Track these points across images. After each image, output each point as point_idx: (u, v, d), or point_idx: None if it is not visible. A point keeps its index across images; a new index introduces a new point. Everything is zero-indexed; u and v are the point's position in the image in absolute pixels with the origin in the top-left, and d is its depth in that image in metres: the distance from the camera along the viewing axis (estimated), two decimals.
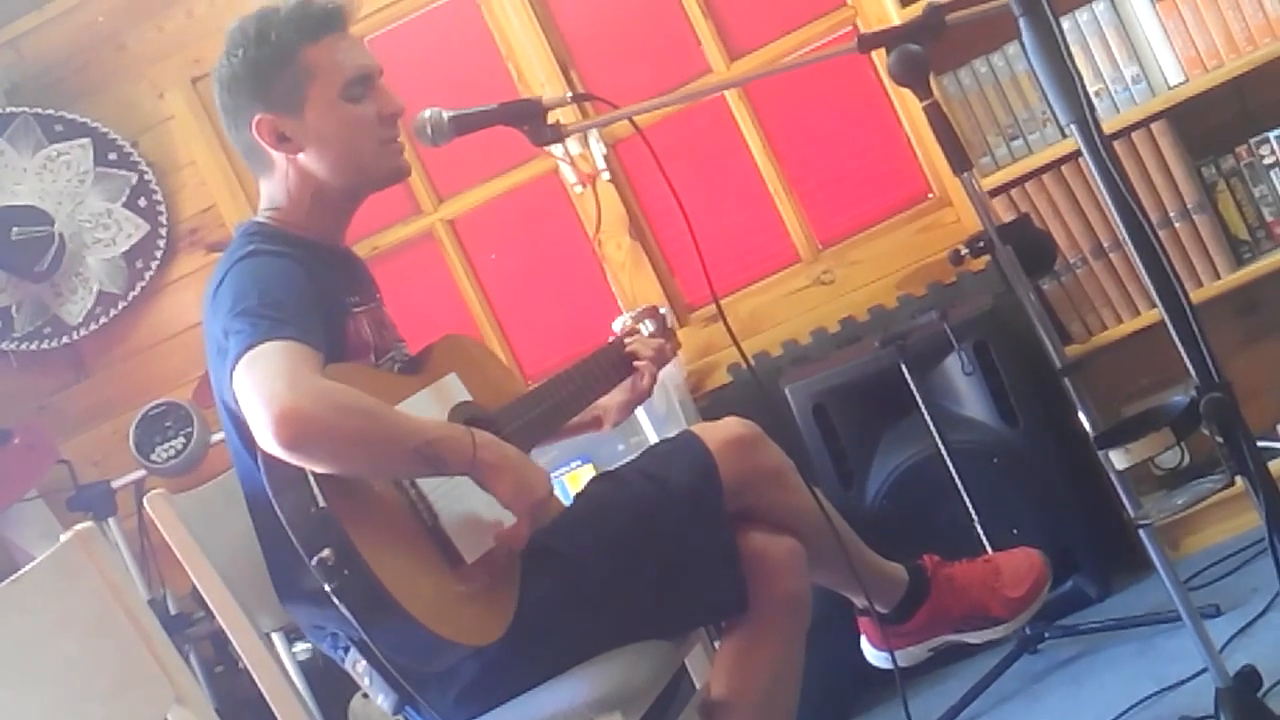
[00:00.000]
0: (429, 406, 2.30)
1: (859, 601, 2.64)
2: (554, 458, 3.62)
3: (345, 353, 2.30)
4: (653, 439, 3.54)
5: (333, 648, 2.29)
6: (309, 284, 2.24)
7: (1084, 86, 2.05)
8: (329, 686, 3.15)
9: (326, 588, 2.02)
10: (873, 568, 2.61)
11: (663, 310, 2.76)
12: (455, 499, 2.20)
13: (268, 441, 2.00)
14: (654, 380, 2.64)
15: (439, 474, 2.14)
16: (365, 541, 2.03)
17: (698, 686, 2.66)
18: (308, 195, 2.39)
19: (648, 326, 2.72)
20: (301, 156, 2.36)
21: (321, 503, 2.03)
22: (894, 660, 2.63)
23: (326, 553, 2.01)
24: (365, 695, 2.34)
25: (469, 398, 2.39)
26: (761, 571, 2.37)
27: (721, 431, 2.45)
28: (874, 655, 2.72)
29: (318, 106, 2.35)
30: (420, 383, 2.34)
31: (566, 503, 2.51)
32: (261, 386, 2.01)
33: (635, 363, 2.63)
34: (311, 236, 2.39)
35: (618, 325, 2.73)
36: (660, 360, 2.66)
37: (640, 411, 2.78)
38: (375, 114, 2.39)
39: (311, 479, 2.04)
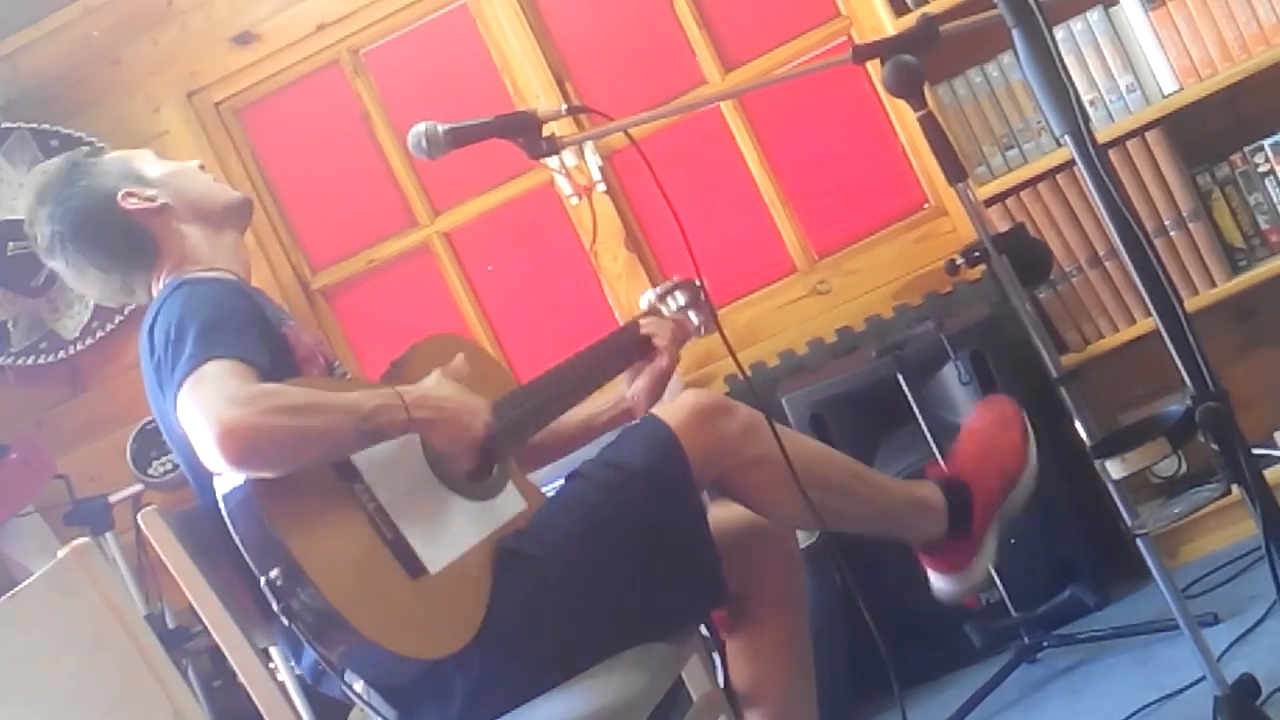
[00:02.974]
0: None
1: (913, 539, 2.54)
2: (542, 476, 3.59)
3: (297, 365, 2.31)
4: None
5: (329, 679, 2.28)
6: (244, 301, 2.28)
7: (1078, 96, 2.06)
8: (328, 702, 3.14)
9: (275, 608, 2.02)
10: (909, 504, 2.52)
11: (699, 282, 2.69)
12: (420, 509, 2.19)
13: (216, 462, 2.02)
14: (674, 359, 2.60)
15: (386, 440, 2.17)
16: (314, 560, 2.03)
17: (694, 697, 2.65)
18: (200, 243, 2.49)
19: (677, 299, 2.66)
20: (173, 207, 2.48)
21: (267, 523, 2.03)
22: (892, 673, 2.61)
23: (275, 573, 2.01)
24: (364, 711, 2.34)
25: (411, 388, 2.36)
26: (748, 549, 2.37)
27: (678, 406, 2.40)
28: (949, 584, 2.58)
29: (147, 168, 2.54)
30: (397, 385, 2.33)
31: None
32: (202, 409, 2.03)
33: (654, 343, 2.60)
34: (229, 275, 2.45)
35: (644, 302, 2.69)
36: (679, 338, 2.62)
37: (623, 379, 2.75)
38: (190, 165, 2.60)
39: (256, 500, 2.04)
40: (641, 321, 2.64)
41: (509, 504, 2.37)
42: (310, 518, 2.08)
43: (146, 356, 2.27)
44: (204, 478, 2.19)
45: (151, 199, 2.47)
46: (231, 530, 2.08)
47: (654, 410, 2.43)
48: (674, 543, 2.34)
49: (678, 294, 2.68)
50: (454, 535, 2.21)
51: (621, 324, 2.67)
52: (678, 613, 2.46)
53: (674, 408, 2.40)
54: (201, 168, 2.62)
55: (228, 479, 2.06)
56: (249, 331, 2.20)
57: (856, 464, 2.53)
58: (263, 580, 2.02)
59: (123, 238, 2.46)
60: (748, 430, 2.39)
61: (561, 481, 2.44)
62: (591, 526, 2.33)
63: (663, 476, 2.34)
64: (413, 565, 2.14)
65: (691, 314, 2.67)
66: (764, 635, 2.45)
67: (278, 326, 2.33)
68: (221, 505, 2.09)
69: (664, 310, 2.67)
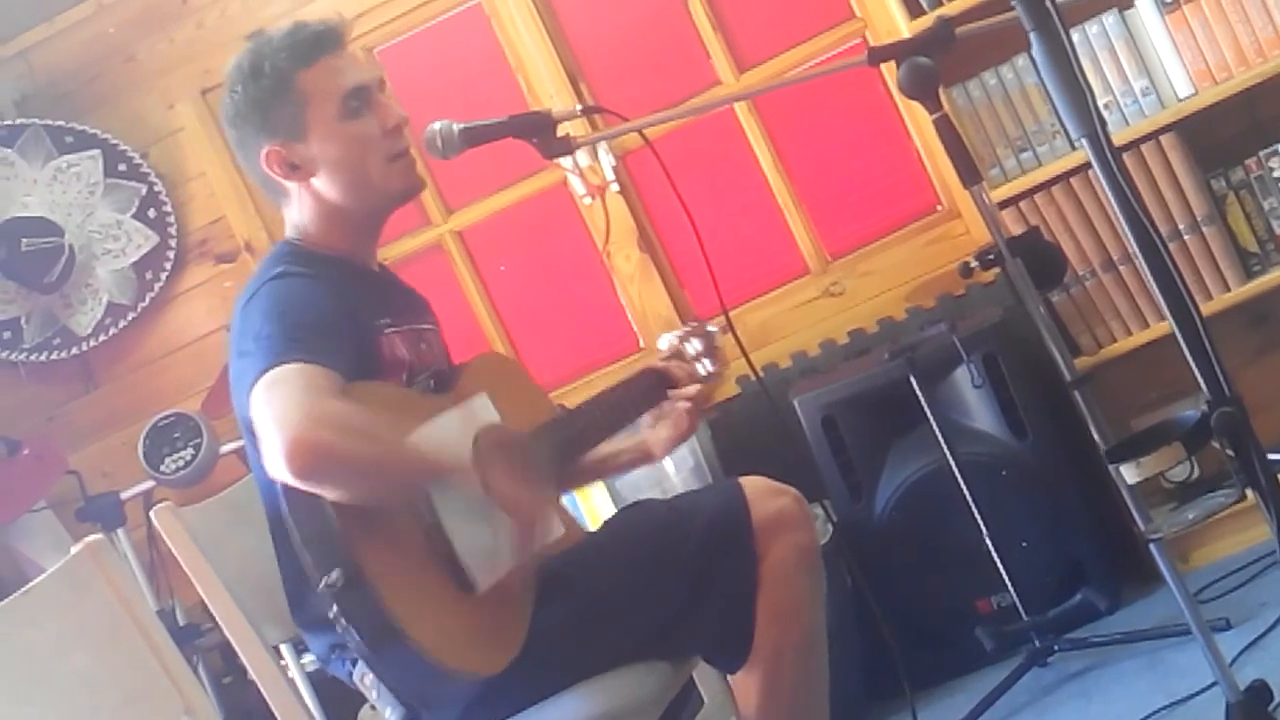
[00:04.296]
0: (455, 428, 2.25)
1: None
2: None
3: (379, 370, 2.29)
4: None
5: (339, 661, 2.29)
6: (337, 304, 2.24)
7: (1094, 99, 2.05)
8: (338, 698, 3.15)
9: (333, 609, 2.02)
10: None
11: (712, 328, 2.67)
12: (472, 527, 2.19)
13: (279, 470, 1.99)
14: (695, 421, 2.57)
15: None
16: (375, 566, 2.02)
17: (706, 699, 2.65)
18: (328, 218, 2.39)
19: (694, 345, 2.64)
20: (314, 182, 2.37)
21: (334, 524, 2.02)
22: (903, 675, 2.61)
23: (335, 575, 2.01)
24: (373, 707, 2.34)
25: (498, 419, 2.34)
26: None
27: (764, 482, 2.42)
28: None
29: (319, 129, 2.35)
30: (449, 403, 2.31)
31: (572, 511, 2.51)
32: (276, 413, 2.01)
33: (678, 402, 2.57)
34: (342, 255, 2.40)
35: (663, 344, 2.67)
36: (702, 401, 2.59)
37: (646, 420, 2.75)
38: (378, 129, 2.38)
39: (326, 500, 2.04)
40: (675, 373, 2.60)
41: (549, 529, 2.36)
42: (373, 523, 2.06)
43: (233, 333, 2.26)
44: None
45: (295, 167, 2.35)
46: (290, 523, 2.07)
47: (743, 482, 2.41)
48: (714, 600, 2.32)
49: (693, 340, 2.66)
50: (501, 555, 2.21)
51: (642, 369, 2.63)
52: (695, 651, 2.44)
53: (756, 481, 2.41)
54: (401, 126, 2.41)
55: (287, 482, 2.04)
56: (336, 336, 2.17)
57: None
58: (322, 581, 2.01)
59: (264, 178, 2.40)
60: (807, 553, 2.39)
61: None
62: (639, 561, 2.33)
63: (722, 536, 2.33)
64: (463, 581, 2.13)
65: (707, 360, 2.65)
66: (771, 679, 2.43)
67: (371, 333, 2.31)
68: (282, 498, 2.07)
69: (689, 350, 2.65)
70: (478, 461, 2.17)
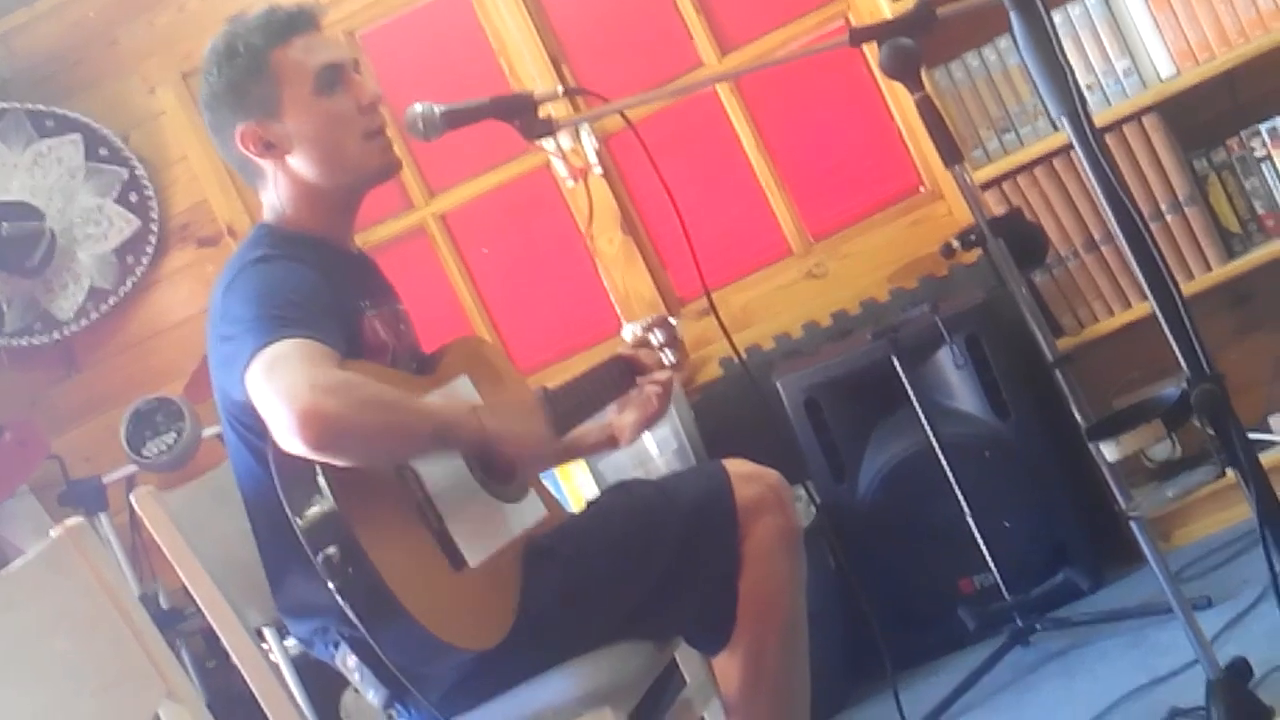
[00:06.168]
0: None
1: None
2: None
3: (363, 352, 2.30)
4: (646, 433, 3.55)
5: (322, 644, 2.29)
6: (324, 285, 2.25)
7: (1075, 79, 2.06)
8: (320, 681, 3.15)
9: (330, 585, 2.02)
10: None
11: (673, 321, 2.69)
12: (463, 503, 2.19)
13: (291, 443, 1.99)
14: (663, 406, 2.58)
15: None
16: (371, 540, 2.03)
17: (688, 680, 2.66)
18: (304, 198, 2.39)
19: (657, 336, 2.66)
20: (290, 160, 2.37)
21: (330, 500, 2.03)
22: (885, 656, 2.62)
23: (332, 550, 2.01)
24: (356, 690, 2.34)
25: (479, 402, 2.37)
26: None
27: (747, 465, 2.43)
28: None
29: (294, 107, 2.35)
30: (431, 384, 2.33)
31: (556, 492, 2.52)
32: (280, 389, 2.00)
33: (646, 386, 2.58)
34: (320, 236, 2.40)
35: (628, 334, 2.68)
36: (667, 391, 2.59)
37: (612, 407, 2.76)
38: (353, 106, 2.38)
39: (320, 476, 2.04)
40: (641, 351, 2.62)
41: (532, 510, 2.38)
42: (367, 499, 2.07)
43: (214, 318, 2.25)
44: (250, 449, 2.22)
45: (270, 145, 2.36)
46: (284, 500, 2.07)
47: (726, 464, 2.43)
48: (697, 582, 2.34)
49: (656, 331, 2.67)
50: (490, 532, 2.22)
51: (612, 358, 2.64)
52: (678, 632, 2.46)
53: (741, 465, 2.41)
54: (375, 103, 2.40)
55: (300, 455, 2.04)
56: (325, 315, 2.18)
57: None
58: (319, 556, 2.02)
59: (241, 159, 2.41)
60: (788, 535, 2.39)
61: None
62: (624, 539, 2.34)
63: (706, 518, 2.34)
64: (455, 557, 2.14)
65: (669, 350, 2.67)
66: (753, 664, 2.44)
67: (355, 315, 2.32)
68: (275, 475, 2.08)
69: (652, 340, 2.66)
70: (480, 412, 2.20)
